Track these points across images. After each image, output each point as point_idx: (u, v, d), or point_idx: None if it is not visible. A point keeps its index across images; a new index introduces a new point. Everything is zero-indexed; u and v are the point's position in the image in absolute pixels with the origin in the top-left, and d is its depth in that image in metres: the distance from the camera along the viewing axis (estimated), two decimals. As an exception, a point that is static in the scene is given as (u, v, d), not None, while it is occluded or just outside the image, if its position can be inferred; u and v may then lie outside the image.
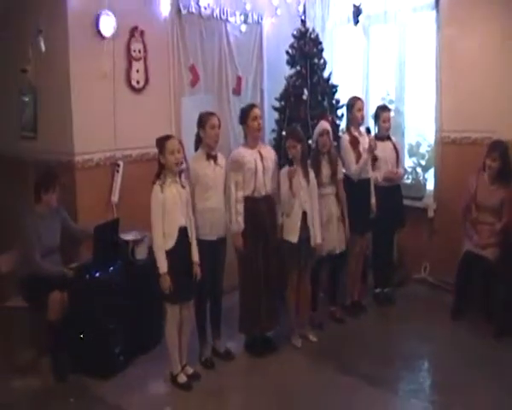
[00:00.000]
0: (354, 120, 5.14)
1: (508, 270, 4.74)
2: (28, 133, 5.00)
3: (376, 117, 5.37)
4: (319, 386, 4.09)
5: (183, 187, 3.99)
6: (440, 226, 5.76)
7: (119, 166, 4.82)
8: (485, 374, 4.13)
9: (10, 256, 4.50)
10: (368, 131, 5.09)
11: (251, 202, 4.37)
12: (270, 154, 4.55)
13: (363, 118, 5.16)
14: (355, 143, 5.04)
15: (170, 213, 3.87)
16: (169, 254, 3.85)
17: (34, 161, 4.86)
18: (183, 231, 3.93)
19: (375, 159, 5.14)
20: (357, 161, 4.99)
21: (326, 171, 4.78)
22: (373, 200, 5.16)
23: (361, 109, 5.13)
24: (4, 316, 4.38)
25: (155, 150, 4.04)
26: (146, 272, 4.28)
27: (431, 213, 5.83)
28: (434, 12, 5.63)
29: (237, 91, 5.90)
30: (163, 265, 3.82)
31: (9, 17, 4.98)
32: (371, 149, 4.92)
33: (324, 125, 4.83)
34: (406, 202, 5.69)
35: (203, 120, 4.25)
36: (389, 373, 4.23)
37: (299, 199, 4.48)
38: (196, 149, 4.35)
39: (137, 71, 4.95)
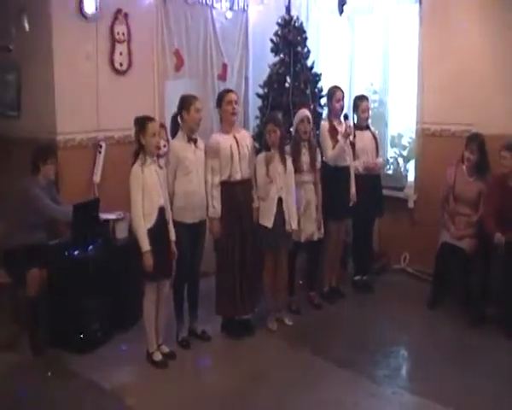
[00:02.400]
0: (333, 110, 5.18)
1: (483, 261, 4.82)
2: (11, 112, 5.01)
3: (355, 107, 5.42)
4: (292, 368, 4.14)
5: (160, 168, 4.03)
6: (420, 217, 5.82)
7: (101, 146, 4.86)
8: (459, 362, 4.18)
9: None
10: (345, 117, 5.11)
11: (227, 187, 4.40)
12: (245, 138, 4.57)
13: (342, 108, 5.17)
14: (333, 131, 5.07)
15: (150, 193, 3.90)
16: (149, 233, 3.88)
17: (17, 140, 4.87)
18: (161, 211, 3.97)
19: (352, 145, 5.18)
20: (334, 148, 5.03)
21: (305, 158, 4.81)
22: (353, 189, 5.19)
23: (340, 100, 5.15)
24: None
25: (137, 131, 4.07)
26: (126, 251, 4.31)
27: (411, 204, 5.89)
28: (417, 5, 5.68)
29: (222, 78, 5.93)
30: (145, 243, 3.85)
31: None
32: (346, 134, 4.94)
33: (305, 111, 4.86)
34: (387, 192, 5.76)
35: (187, 103, 4.26)
36: (363, 358, 4.26)
37: (275, 184, 4.52)
38: (173, 132, 4.37)
39: (121, 53, 4.98)
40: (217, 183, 4.37)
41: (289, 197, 4.61)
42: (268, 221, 4.53)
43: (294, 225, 4.63)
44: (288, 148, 4.77)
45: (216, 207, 4.36)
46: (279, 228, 4.55)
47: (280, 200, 4.55)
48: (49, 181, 4.45)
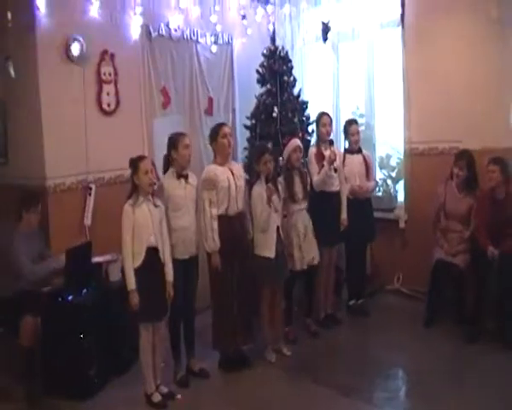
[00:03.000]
0: (321, 136, 5.23)
1: (477, 275, 4.86)
2: (-1, 159, 5.02)
3: (345, 131, 5.50)
4: (294, 398, 4.14)
5: (155, 206, 4.04)
6: (412, 237, 5.86)
7: (91, 189, 4.86)
8: (458, 379, 4.21)
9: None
10: (330, 143, 5.15)
11: (225, 220, 4.41)
12: (239, 171, 4.61)
13: (328, 133, 5.21)
14: (320, 156, 5.11)
15: (139, 232, 3.91)
16: (137, 272, 3.89)
17: (6, 186, 4.85)
18: (151, 251, 3.97)
19: (335, 171, 5.18)
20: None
21: (298, 187, 4.86)
22: (344, 214, 5.22)
23: (326, 125, 5.20)
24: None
25: (128, 172, 4.10)
26: (120, 294, 4.25)
27: (402, 224, 5.93)
28: (400, 28, 5.77)
29: (209, 112, 5.94)
30: (131, 281, 3.87)
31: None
32: (330, 161, 4.96)
33: (297, 141, 4.92)
34: (378, 214, 5.81)
35: (175, 141, 4.29)
36: (364, 383, 4.27)
37: (275, 214, 4.57)
38: (165, 170, 4.39)
39: (108, 94, 5.00)
40: (215, 215, 4.37)
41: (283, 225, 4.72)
42: (270, 251, 4.56)
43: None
44: (280, 179, 4.82)
45: (216, 240, 4.35)
46: (279, 257, 4.59)
47: (278, 228, 4.61)
48: (32, 230, 4.41)
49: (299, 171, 4.90)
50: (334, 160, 5.01)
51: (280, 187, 4.69)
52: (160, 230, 4.06)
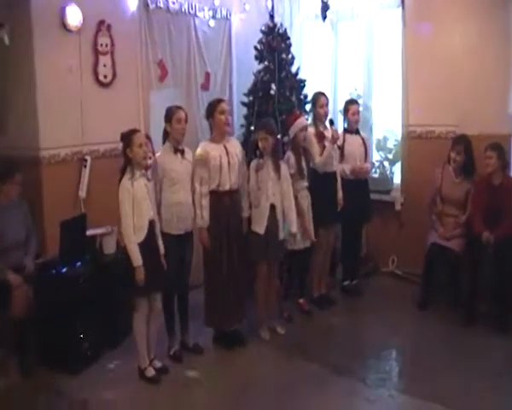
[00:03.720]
0: (318, 116, 5.18)
1: (472, 260, 4.86)
2: (-7, 128, 4.93)
3: (345, 111, 5.45)
4: (287, 377, 4.13)
5: (148, 180, 4.00)
6: (407, 219, 5.86)
7: (86, 161, 4.80)
8: (452, 362, 4.22)
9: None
10: (331, 122, 5.11)
11: (215, 196, 4.38)
12: (235, 148, 4.55)
13: (326, 114, 5.16)
14: (320, 136, 5.07)
15: (140, 207, 3.86)
16: (139, 247, 3.85)
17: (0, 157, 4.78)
18: (151, 224, 3.94)
19: (340, 149, 5.19)
20: (322, 154, 5.03)
21: (304, 165, 4.85)
22: (340, 193, 5.20)
23: (323, 105, 5.15)
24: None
25: (123, 145, 4.04)
26: (114, 267, 4.28)
27: (398, 207, 5.92)
28: (400, 9, 5.72)
29: (206, 87, 5.89)
30: (137, 257, 3.82)
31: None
32: (334, 140, 4.96)
33: (304, 120, 4.91)
34: (374, 195, 5.78)
35: (170, 114, 4.26)
36: (357, 363, 4.28)
37: (265, 192, 4.50)
38: (164, 143, 4.35)
39: (104, 65, 4.93)
40: (205, 192, 4.34)
41: (288, 203, 4.61)
42: (260, 227, 4.51)
43: (294, 229, 4.62)
44: (289, 154, 4.80)
45: (204, 216, 4.33)
46: (271, 236, 4.53)
47: (273, 207, 4.54)
48: (10, 202, 4.29)
49: (303, 149, 4.87)
50: (338, 139, 4.99)
51: (283, 165, 4.64)
52: (153, 203, 4.03)
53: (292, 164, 4.76)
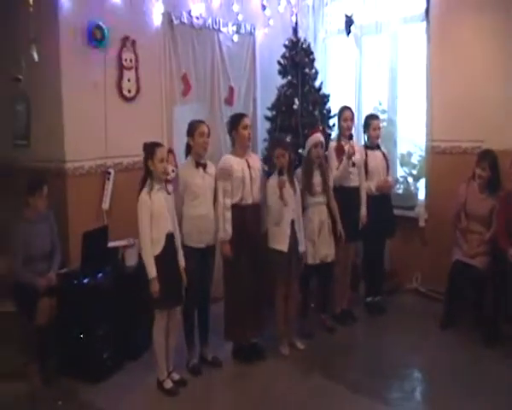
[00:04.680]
0: (341, 130, 5.18)
1: (497, 278, 4.75)
2: (20, 141, 5.04)
3: (366, 126, 5.41)
4: (306, 393, 4.09)
5: (169, 194, 4.03)
6: (431, 236, 5.78)
7: (109, 173, 4.88)
8: (474, 383, 4.12)
9: (3, 261, 4.46)
10: (349, 137, 5.11)
11: (238, 210, 4.39)
12: (256, 163, 4.58)
13: (349, 128, 5.15)
14: (340, 150, 5.05)
15: (158, 219, 3.90)
16: (157, 259, 3.88)
17: (27, 169, 4.87)
18: (170, 237, 3.97)
19: (364, 165, 5.16)
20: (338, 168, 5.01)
21: (317, 180, 4.80)
22: (363, 210, 5.17)
23: (347, 119, 5.14)
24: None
25: (146, 157, 4.09)
26: (136, 279, 4.29)
27: (422, 223, 5.85)
28: (425, 23, 5.69)
29: (229, 102, 5.93)
30: (152, 270, 3.85)
31: (1, 25, 5.04)
32: (349, 155, 4.93)
33: (319, 136, 4.83)
34: (398, 211, 5.72)
35: (192, 128, 4.30)
36: (377, 382, 4.21)
37: (289, 207, 4.50)
38: (186, 157, 4.39)
39: (129, 80, 5.01)
40: (229, 205, 4.36)
41: (300, 219, 4.61)
42: (283, 245, 4.50)
43: (304, 248, 4.62)
44: (298, 170, 4.77)
45: (227, 229, 4.34)
46: (293, 252, 4.53)
47: (292, 222, 4.54)
48: (39, 214, 4.37)
49: (319, 164, 4.84)
50: (353, 154, 4.94)
51: (296, 180, 4.64)
52: (174, 217, 4.06)
53: (298, 179, 4.72)
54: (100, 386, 4.16)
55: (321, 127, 5.28)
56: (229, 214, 4.35)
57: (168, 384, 4.07)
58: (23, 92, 4.94)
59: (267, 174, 4.65)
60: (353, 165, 4.96)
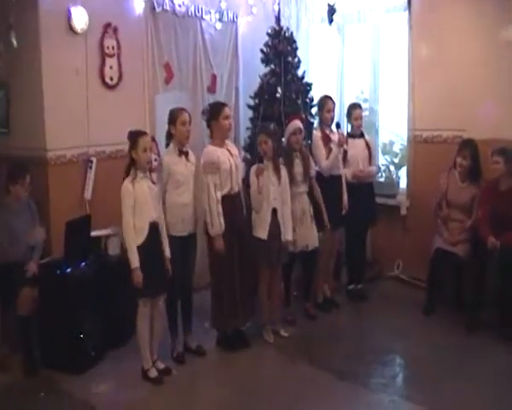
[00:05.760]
0: (324, 120, 5.19)
1: (477, 266, 4.82)
2: (0, 129, 4.95)
3: (348, 115, 5.43)
4: (290, 380, 4.12)
5: (153, 183, 4.00)
6: (413, 224, 5.82)
7: (91, 162, 4.83)
8: (456, 368, 4.18)
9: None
10: (337, 126, 5.14)
11: (228, 200, 4.36)
12: (235, 150, 4.58)
13: (332, 118, 5.18)
14: (326, 139, 5.07)
15: (141, 208, 3.88)
16: (140, 248, 3.86)
17: (7, 157, 4.79)
18: (153, 226, 3.95)
19: (344, 153, 5.19)
20: (328, 157, 5.03)
21: (299, 169, 4.80)
22: (345, 197, 5.19)
23: (330, 110, 5.16)
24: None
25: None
26: (119, 268, 4.28)
27: (404, 211, 5.89)
28: (407, 13, 5.70)
29: (212, 90, 5.90)
30: (135, 259, 3.83)
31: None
32: (340, 143, 4.96)
33: (297, 123, 4.83)
34: (379, 199, 5.76)
35: (174, 116, 4.27)
36: (360, 368, 4.25)
37: (267, 196, 4.50)
38: (167, 145, 4.36)
39: (111, 67, 4.95)
40: (220, 198, 4.31)
41: (286, 208, 4.60)
42: (263, 233, 4.51)
43: (289, 237, 4.61)
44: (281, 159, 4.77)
45: (222, 223, 4.29)
46: (274, 240, 4.53)
47: (274, 211, 4.53)
48: (20, 202, 4.35)
49: (300, 153, 4.84)
50: (344, 142, 4.97)
51: (282, 168, 4.64)
52: (158, 206, 4.04)
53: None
54: (83, 376, 4.13)
55: (303, 116, 5.29)
56: (221, 208, 4.30)
57: (153, 373, 4.06)
58: (2, 79, 4.86)
59: (249, 162, 4.65)
60: (345, 153, 4.97)
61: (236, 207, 4.43)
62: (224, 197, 4.34)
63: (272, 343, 4.65)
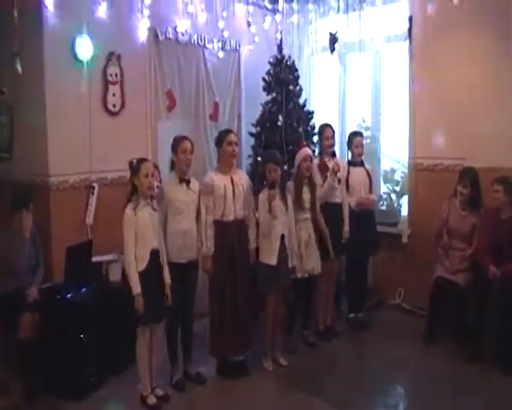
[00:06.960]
0: (324, 147, 5.23)
1: (478, 295, 4.79)
2: (3, 154, 5.00)
3: (349, 143, 5.46)
4: (289, 409, 4.09)
5: (154, 210, 4.01)
6: (414, 252, 5.80)
7: (93, 188, 4.85)
8: (456, 399, 4.15)
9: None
10: (333, 154, 5.17)
11: (219, 226, 4.40)
12: (242, 179, 4.58)
13: (330, 146, 5.20)
14: (323, 167, 5.09)
15: (142, 236, 3.89)
16: (141, 275, 3.86)
17: (9, 182, 4.85)
18: (154, 254, 3.95)
19: (346, 182, 5.21)
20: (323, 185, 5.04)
21: (306, 196, 4.83)
22: (346, 226, 5.19)
23: (329, 137, 5.19)
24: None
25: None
26: (119, 294, 4.28)
27: (405, 239, 5.88)
28: (407, 42, 5.78)
29: (214, 117, 5.94)
30: (136, 286, 3.83)
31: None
32: (334, 172, 4.97)
33: (307, 150, 4.89)
34: (381, 227, 5.76)
35: (175, 144, 4.30)
36: (360, 397, 4.21)
37: (276, 222, 4.52)
38: (171, 172, 4.39)
39: (114, 95, 5.01)
40: (211, 221, 4.37)
41: (291, 234, 4.64)
42: (272, 259, 4.51)
43: (296, 262, 4.65)
44: (290, 184, 4.81)
45: (210, 245, 4.35)
46: (282, 266, 4.54)
47: (282, 237, 4.56)
48: (24, 230, 4.37)
49: (309, 180, 4.88)
50: (338, 171, 4.99)
51: (288, 196, 4.67)
52: (159, 233, 4.04)
53: (291, 193, 4.75)
54: (83, 402, 4.10)
55: (305, 143, 5.32)
56: (210, 230, 4.36)
57: (152, 400, 4.03)
58: (6, 104, 4.91)
59: (255, 190, 4.67)
60: (339, 181, 5.00)
61: (229, 233, 4.43)
62: (215, 222, 4.39)
63: (271, 371, 4.62)
